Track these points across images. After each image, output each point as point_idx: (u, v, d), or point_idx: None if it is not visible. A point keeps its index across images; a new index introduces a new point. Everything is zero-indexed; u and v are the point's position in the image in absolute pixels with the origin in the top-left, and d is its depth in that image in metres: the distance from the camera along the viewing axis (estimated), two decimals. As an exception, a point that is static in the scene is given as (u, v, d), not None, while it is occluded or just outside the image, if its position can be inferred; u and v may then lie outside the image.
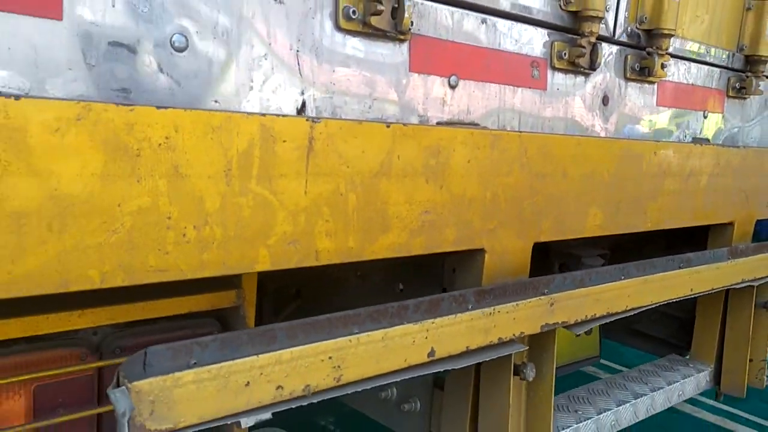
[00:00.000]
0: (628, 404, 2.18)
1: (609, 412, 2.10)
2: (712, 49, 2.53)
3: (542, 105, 1.95)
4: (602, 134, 2.17)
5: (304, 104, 1.43)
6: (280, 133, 1.16)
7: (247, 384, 1.03)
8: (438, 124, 1.69)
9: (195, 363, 1.06)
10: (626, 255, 2.45)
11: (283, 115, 1.18)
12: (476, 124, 1.79)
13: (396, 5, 1.47)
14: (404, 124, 1.37)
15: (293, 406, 1.10)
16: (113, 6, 1.13)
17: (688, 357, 2.75)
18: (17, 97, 0.88)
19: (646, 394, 2.28)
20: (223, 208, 1.11)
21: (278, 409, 1.08)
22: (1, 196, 0.88)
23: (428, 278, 1.81)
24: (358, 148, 1.29)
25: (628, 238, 2.25)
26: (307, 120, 1.20)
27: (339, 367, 1.15)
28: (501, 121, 1.85)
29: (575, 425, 1.97)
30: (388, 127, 1.33)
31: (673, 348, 2.80)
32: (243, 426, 1.04)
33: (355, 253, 1.32)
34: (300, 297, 2.19)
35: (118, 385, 0.91)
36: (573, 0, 1.91)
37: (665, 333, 2.85)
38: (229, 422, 1.01)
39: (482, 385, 1.61)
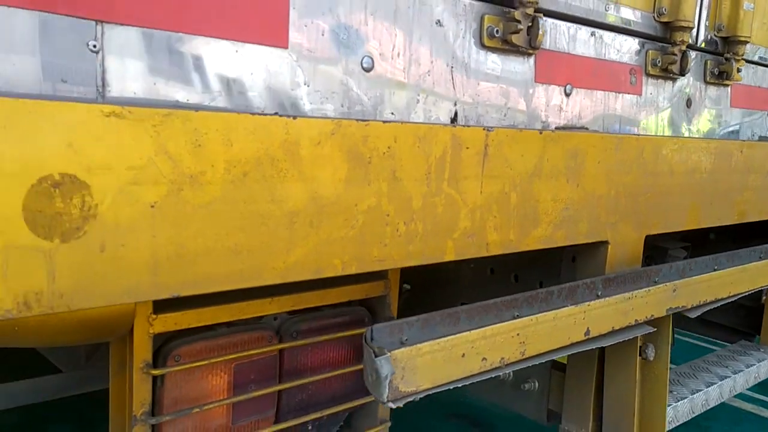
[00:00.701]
0: (715, 385, 2.34)
1: (700, 393, 2.26)
2: (777, 53, 2.70)
3: (638, 109, 2.12)
4: (686, 134, 2.33)
5: (456, 114, 1.60)
6: (465, 140, 1.34)
7: (463, 355, 1.20)
8: (556, 129, 1.86)
9: (407, 339, 1.24)
10: (699, 248, 2.61)
11: (466, 126, 1.36)
12: (585, 128, 1.96)
13: (530, 24, 1.64)
14: (552, 131, 1.54)
15: (489, 377, 1.28)
16: (323, 35, 1.31)
17: (756, 343, 2.91)
18: (294, 117, 1.05)
19: (728, 377, 2.44)
20: (424, 207, 1.28)
21: (478, 379, 1.25)
22: (281, 198, 1.06)
23: (542, 268, 1.98)
24: (518, 153, 1.46)
25: (700, 232, 2.41)
26: (483, 129, 1.37)
27: (524, 342, 1.32)
28: (605, 124, 2.02)
29: (674, 404, 2.13)
30: (540, 133, 1.51)
31: (743, 335, 2.96)
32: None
33: (514, 245, 1.49)
34: (411, 289, 2.35)
35: (375, 355, 1.09)
36: (666, 11, 2.09)
37: (734, 321, 3.01)
38: (450, 387, 1.19)
39: (607, 364, 1.78)
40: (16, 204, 0.82)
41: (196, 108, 1.02)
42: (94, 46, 1.04)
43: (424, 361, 1.14)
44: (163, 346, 1.41)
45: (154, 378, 1.37)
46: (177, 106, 1.11)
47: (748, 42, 2.37)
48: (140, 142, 0.90)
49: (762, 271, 2.08)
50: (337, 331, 1.67)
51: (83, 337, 1.29)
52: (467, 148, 1.34)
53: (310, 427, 1.73)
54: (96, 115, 0.87)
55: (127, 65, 1.07)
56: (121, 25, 1.05)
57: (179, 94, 1.11)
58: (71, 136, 0.85)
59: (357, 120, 1.14)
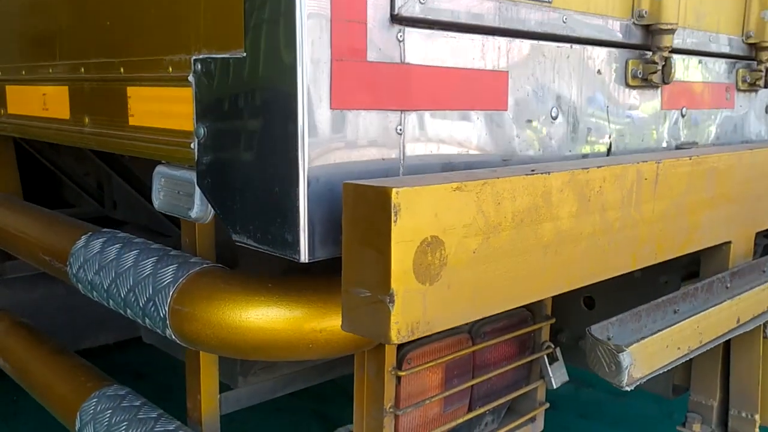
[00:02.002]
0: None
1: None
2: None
3: (732, 120, 2.44)
4: (766, 137, 2.65)
5: (611, 145, 1.92)
6: (644, 172, 1.64)
7: (667, 347, 1.52)
8: (677, 147, 2.18)
9: (612, 336, 1.56)
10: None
11: (645, 162, 1.66)
12: (696, 143, 2.28)
13: (665, 63, 1.95)
14: (691, 157, 1.85)
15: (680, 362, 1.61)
16: (527, 95, 1.62)
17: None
18: (548, 173, 1.36)
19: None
20: (620, 228, 1.60)
21: (674, 365, 1.58)
22: (540, 234, 1.36)
23: (677, 270, 2.29)
24: (675, 177, 1.77)
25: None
26: (655, 162, 1.68)
27: (702, 333, 1.65)
28: (710, 137, 2.34)
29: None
30: (690, 159, 1.82)
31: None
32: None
33: (675, 251, 1.81)
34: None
35: (616, 351, 1.41)
36: (753, 34, 2.40)
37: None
38: (653, 375, 1.51)
39: (734, 344, 2.10)
40: (410, 260, 1.13)
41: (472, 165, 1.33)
42: (399, 130, 1.35)
43: (645, 353, 1.46)
44: (398, 352, 1.73)
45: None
46: (457, 165, 1.43)
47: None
48: (470, 206, 1.21)
49: None
50: (511, 330, 1.99)
51: (348, 350, 1.61)
52: (645, 179, 1.65)
53: (488, 412, 2.06)
54: (449, 191, 1.17)
55: (417, 137, 1.38)
56: (415, 111, 1.36)
57: (452, 153, 1.43)
58: (436, 208, 1.16)
59: (582, 168, 1.45)
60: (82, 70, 1.79)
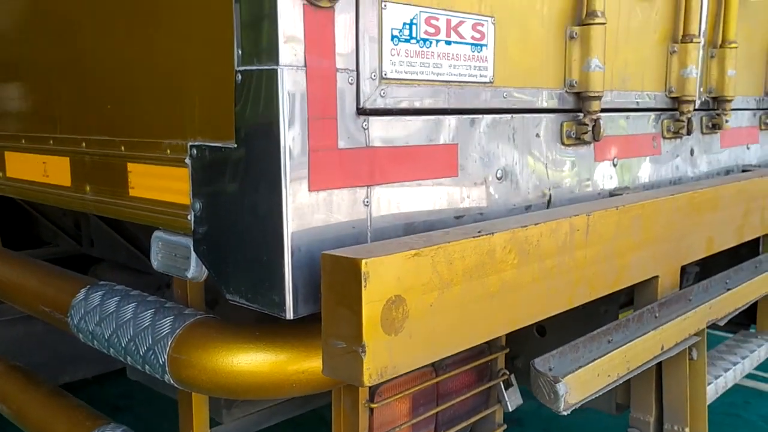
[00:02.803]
0: (730, 370, 2.99)
1: (721, 377, 2.90)
2: (750, 99, 3.38)
3: (660, 165, 2.75)
4: (692, 176, 2.98)
5: (550, 198, 2.20)
6: (576, 224, 1.93)
7: (598, 375, 1.79)
8: (611, 194, 2.48)
9: (553, 368, 1.83)
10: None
11: (577, 215, 1.94)
12: (628, 187, 2.58)
13: (594, 124, 2.25)
14: (619, 207, 2.14)
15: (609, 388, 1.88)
16: (475, 162, 1.90)
17: (753, 331, 3.58)
18: (492, 233, 1.63)
19: (738, 362, 3.09)
20: (556, 273, 1.87)
21: (603, 392, 1.85)
22: (488, 284, 1.63)
23: (615, 300, 2.58)
24: (605, 225, 2.06)
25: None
26: (585, 215, 1.97)
27: (629, 361, 1.92)
28: (639, 181, 2.65)
29: (714, 381, 2.75)
30: (617, 209, 2.11)
31: (741, 326, 3.63)
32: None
33: (607, 288, 2.09)
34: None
35: (554, 381, 1.67)
36: (675, 89, 2.72)
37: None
38: (587, 400, 1.78)
39: (665, 366, 2.39)
40: (378, 317, 1.38)
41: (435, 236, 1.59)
42: (366, 202, 1.61)
43: (578, 382, 1.72)
44: (370, 387, 1.97)
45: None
46: (417, 225, 1.69)
47: (732, 100, 3.03)
48: (426, 267, 1.47)
49: (764, 280, 2.74)
50: (470, 361, 2.25)
51: (326, 387, 1.84)
52: (577, 230, 1.93)
53: (452, 436, 2.31)
54: (409, 257, 1.43)
55: (382, 206, 1.64)
56: (379, 185, 1.62)
57: (412, 215, 1.70)
58: (399, 272, 1.41)
59: (520, 227, 1.72)
60: (84, 144, 2.01)
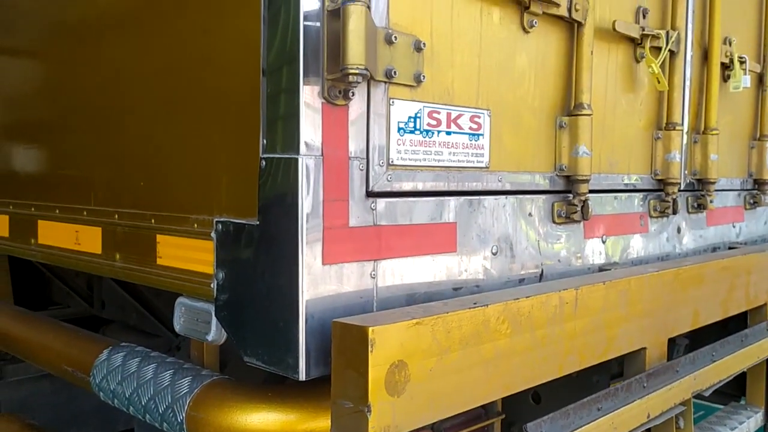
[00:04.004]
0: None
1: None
2: (735, 181, 3.59)
3: (647, 242, 2.93)
4: (679, 252, 3.16)
5: (542, 272, 2.38)
6: (565, 298, 2.09)
7: (585, 440, 1.93)
8: (600, 268, 2.65)
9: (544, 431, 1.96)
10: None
11: (565, 289, 2.11)
12: (616, 263, 2.76)
13: (583, 204, 2.44)
14: (605, 281, 2.31)
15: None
16: (472, 239, 2.08)
17: (743, 403, 3.67)
18: (487, 305, 1.80)
19: (731, 431, 3.19)
20: (548, 343, 2.02)
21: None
22: (483, 351, 1.78)
23: (607, 370, 2.71)
24: (592, 299, 2.22)
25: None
26: (574, 289, 2.13)
27: (616, 428, 2.05)
28: (628, 257, 2.82)
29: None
30: (604, 284, 2.28)
31: (731, 397, 3.72)
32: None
33: (595, 359, 2.24)
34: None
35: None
36: (660, 173, 2.94)
37: (724, 387, 3.78)
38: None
39: (654, 433, 2.51)
40: (382, 379, 1.53)
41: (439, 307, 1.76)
42: (373, 275, 1.79)
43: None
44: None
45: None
46: (418, 296, 1.86)
47: (716, 182, 3.23)
48: (426, 335, 1.63)
49: (749, 353, 2.87)
50: (467, 425, 2.37)
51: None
52: (567, 303, 2.09)
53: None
54: (411, 326, 1.60)
55: (387, 278, 1.82)
56: (384, 259, 1.81)
57: (414, 286, 1.87)
58: (402, 339, 1.57)
59: (512, 300, 1.89)
60: (116, 216, 2.21)
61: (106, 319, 5.03)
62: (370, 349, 1.51)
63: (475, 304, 1.81)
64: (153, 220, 2.07)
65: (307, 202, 1.64)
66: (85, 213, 2.36)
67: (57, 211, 2.52)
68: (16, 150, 2.93)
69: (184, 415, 1.95)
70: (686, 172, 3.16)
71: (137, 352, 2.29)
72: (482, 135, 2.10)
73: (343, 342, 1.56)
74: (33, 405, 4.44)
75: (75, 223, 2.41)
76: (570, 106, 2.41)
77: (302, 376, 1.64)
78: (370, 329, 1.51)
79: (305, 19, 1.63)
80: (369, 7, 1.64)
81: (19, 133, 2.90)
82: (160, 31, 2.08)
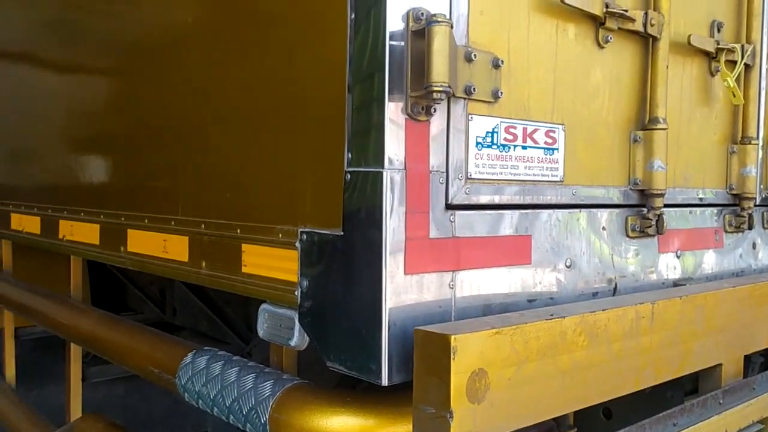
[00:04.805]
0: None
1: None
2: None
3: (722, 257, 2.89)
4: (754, 268, 3.09)
5: (616, 285, 2.38)
6: (641, 312, 2.09)
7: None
8: (675, 283, 2.63)
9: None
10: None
11: (641, 303, 2.11)
12: (691, 279, 2.73)
13: (657, 218, 2.43)
14: (681, 296, 2.30)
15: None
16: (546, 251, 2.11)
17: None
18: (563, 317, 1.82)
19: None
20: (624, 356, 2.03)
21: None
22: (560, 362, 1.81)
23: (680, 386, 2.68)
24: (669, 313, 2.21)
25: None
26: (650, 303, 2.13)
27: (694, 443, 2.04)
28: (702, 272, 2.79)
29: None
30: (680, 299, 2.27)
31: None
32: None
33: (672, 374, 2.22)
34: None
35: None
36: (735, 187, 2.89)
37: None
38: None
39: (732, 453, 2.46)
40: (463, 386, 1.58)
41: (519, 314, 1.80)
42: (451, 285, 1.84)
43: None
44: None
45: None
46: (494, 307, 1.90)
47: (792, 195, 3.16)
48: (505, 345, 1.67)
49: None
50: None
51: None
52: (643, 317, 2.09)
53: None
54: (490, 335, 1.64)
55: (464, 288, 1.87)
56: (462, 270, 1.86)
57: (490, 297, 1.91)
58: (482, 347, 1.62)
59: (589, 312, 1.91)
60: (203, 226, 2.33)
61: (177, 325, 5.23)
62: (452, 356, 1.56)
63: (552, 315, 1.84)
64: (239, 230, 2.17)
65: (390, 213, 1.71)
66: (172, 222, 2.50)
67: (146, 221, 2.67)
68: (106, 163, 3.12)
69: (267, 416, 2.04)
70: (762, 186, 3.09)
71: (220, 356, 2.40)
72: (557, 149, 2.13)
73: (425, 349, 1.62)
74: (108, 406, 4.66)
75: (163, 232, 2.55)
76: (644, 121, 2.41)
77: (385, 382, 1.70)
78: (453, 337, 1.56)
79: (390, 38, 1.71)
80: (452, 27, 1.71)
81: (109, 148, 3.09)
82: (246, 50, 2.19)
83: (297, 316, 1.95)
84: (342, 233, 1.80)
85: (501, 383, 1.66)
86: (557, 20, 2.12)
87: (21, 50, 4.10)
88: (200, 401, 2.36)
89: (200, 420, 5.61)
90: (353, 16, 1.79)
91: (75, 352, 3.73)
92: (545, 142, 2.10)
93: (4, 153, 4.27)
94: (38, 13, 3.75)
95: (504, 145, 1.98)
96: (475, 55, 1.85)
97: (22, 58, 4.10)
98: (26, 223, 3.74)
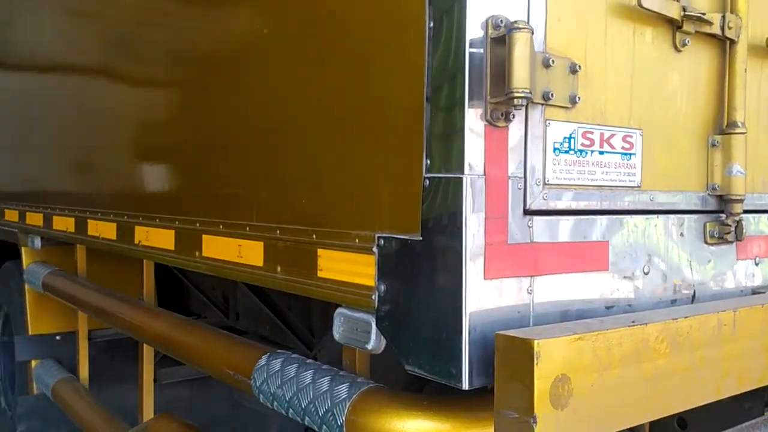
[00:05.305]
0: None
1: None
2: None
3: (803, 264, 2.80)
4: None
5: (695, 293, 2.33)
6: (723, 319, 2.05)
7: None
8: (753, 291, 2.56)
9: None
10: None
11: (723, 311, 2.07)
12: (770, 286, 2.65)
13: (737, 225, 2.38)
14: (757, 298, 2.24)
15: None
16: (623, 258, 2.09)
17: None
18: (646, 324, 1.80)
19: None
20: (707, 365, 1.98)
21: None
22: (643, 369, 1.78)
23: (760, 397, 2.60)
24: (751, 321, 2.15)
25: None
26: (732, 310, 2.08)
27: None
28: (779, 280, 2.70)
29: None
30: (762, 306, 2.21)
31: None
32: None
33: (756, 383, 2.16)
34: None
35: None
36: (817, 192, 2.79)
37: None
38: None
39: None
40: (547, 392, 1.58)
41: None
42: (529, 290, 1.84)
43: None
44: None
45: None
46: (571, 313, 1.90)
47: None
48: (588, 351, 1.67)
49: None
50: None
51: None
52: (725, 325, 2.05)
53: None
54: (573, 340, 1.63)
55: (542, 294, 1.87)
56: (540, 276, 1.86)
57: (567, 303, 1.90)
58: (564, 353, 1.62)
59: (671, 320, 1.88)
60: (278, 231, 2.39)
61: (239, 330, 5.34)
62: (535, 361, 1.56)
63: (633, 322, 1.81)
64: (314, 236, 2.22)
65: (470, 219, 1.72)
66: (248, 228, 2.57)
67: (221, 227, 2.75)
68: (182, 172, 3.23)
69: (344, 418, 2.07)
70: None
71: (293, 359, 2.45)
72: (634, 154, 2.11)
73: (508, 354, 1.62)
74: (173, 408, 4.79)
75: (238, 238, 2.62)
76: (722, 125, 2.36)
77: (465, 386, 1.71)
78: (536, 342, 1.56)
79: (470, 46, 1.73)
80: (533, 33, 1.72)
81: (184, 157, 3.20)
82: (323, 58, 2.25)
83: (374, 320, 1.98)
84: (421, 238, 1.82)
85: (584, 389, 1.65)
86: (634, 24, 2.10)
87: (94, 64, 4.28)
88: (275, 403, 2.41)
89: (261, 423, 5.71)
90: (431, 24, 1.82)
91: (148, 353, 3.85)
92: (622, 147, 2.08)
93: (82, 163, 4.46)
94: (120, 29, 3.92)
95: (581, 151, 1.97)
96: (552, 60, 1.85)
97: (94, 71, 4.29)
98: (102, 229, 3.89)
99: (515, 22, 1.69)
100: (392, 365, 2.45)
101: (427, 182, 1.81)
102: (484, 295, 1.75)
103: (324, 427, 2.16)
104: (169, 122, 3.34)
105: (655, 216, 2.19)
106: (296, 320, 4.70)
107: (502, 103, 1.74)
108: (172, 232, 3.12)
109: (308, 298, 4.44)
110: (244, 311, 5.30)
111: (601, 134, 2.02)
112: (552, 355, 1.59)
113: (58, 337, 5.16)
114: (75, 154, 4.60)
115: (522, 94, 1.67)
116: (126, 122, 3.81)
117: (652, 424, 2.40)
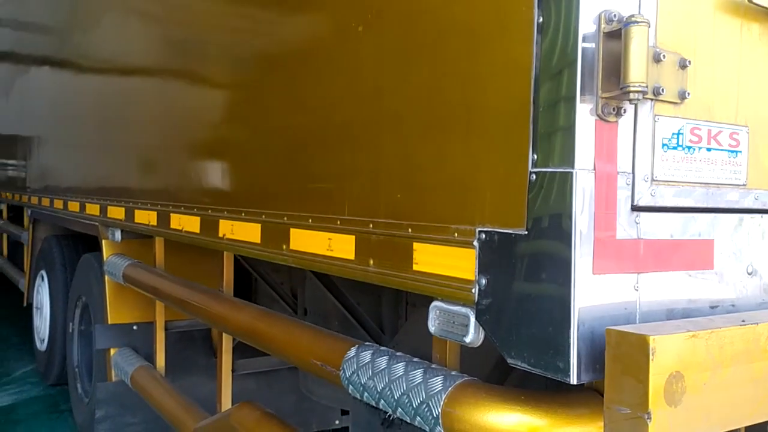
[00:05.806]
0: None
1: None
2: None
3: None
4: None
5: None
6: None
7: None
8: None
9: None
10: None
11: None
12: None
13: (843, 226, 2.30)
14: None
15: None
16: (728, 258, 2.05)
17: None
18: (757, 323, 1.77)
19: None
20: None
21: None
22: (757, 369, 1.75)
23: None
24: None
25: None
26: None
27: None
28: None
29: None
30: None
31: None
32: None
33: None
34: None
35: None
36: None
37: None
38: None
39: None
40: (661, 388, 1.57)
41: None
42: (636, 287, 1.83)
43: None
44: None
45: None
46: (676, 312, 1.87)
47: None
48: (701, 349, 1.64)
49: None
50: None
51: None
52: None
53: None
54: (687, 338, 1.62)
55: (648, 291, 1.85)
56: (647, 272, 1.84)
57: (672, 302, 1.88)
58: (678, 350, 1.60)
59: (782, 320, 1.84)
60: (371, 225, 2.44)
61: (307, 325, 5.42)
62: (650, 357, 1.55)
63: (743, 321, 1.78)
64: (410, 229, 2.25)
65: (579, 214, 1.72)
66: (338, 222, 2.62)
67: (310, 221, 2.81)
68: (268, 166, 3.31)
69: (440, 410, 2.09)
70: None
71: (383, 351, 2.49)
72: (740, 152, 2.07)
73: (620, 349, 1.62)
74: (242, 399, 4.91)
75: (328, 231, 2.68)
76: (830, 122, 2.29)
77: (573, 380, 1.71)
78: (651, 338, 1.55)
79: (583, 40, 1.73)
80: (649, 27, 1.70)
81: (271, 151, 3.28)
82: (422, 53, 2.27)
83: (473, 313, 1.99)
84: (526, 232, 1.83)
85: (697, 387, 1.64)
86: (742, 19, 2.06)
87: (181, 65, 4.42)
88: (365, 393, 2.45)
89: (325, 416, 5.80)
90: (540, 20, 1.82)
91: (227, 344, 3.96)
92: (729, 145, 2.04)
93: (165, 161, 4.62)
94: (204, 29, 4.04)
95: (689, 147, 1.94)
96: (663, 55, 1.83)
97: (182, 72, 4.43)
98: (185, 222, 4.02)
99: (632, 15, 1.68)
100: (476, 358, 2.47)
101: (534, 177, 1.82)
102: (592, 290, 1.74)
103: (418, 418, 2.18)
104: (255, 121, 3.43)
105: (759, 215, 2.14)
106: (366, 316, 4.75)
107: (614, 98, 1.73)
108: (259, 225, 3.20)
109: (379, 295, 4.49)
110: (313, 307, 5.38)
111: (709, 131, 1.99)
112: (667, 352, 1.58)
113: (135, 327, 5.35)
114: (158, 153, 4.76)
115: (639, 89, 1.66)
116: (211, 122, 3.93)
117: (749, 427, 2.35)
